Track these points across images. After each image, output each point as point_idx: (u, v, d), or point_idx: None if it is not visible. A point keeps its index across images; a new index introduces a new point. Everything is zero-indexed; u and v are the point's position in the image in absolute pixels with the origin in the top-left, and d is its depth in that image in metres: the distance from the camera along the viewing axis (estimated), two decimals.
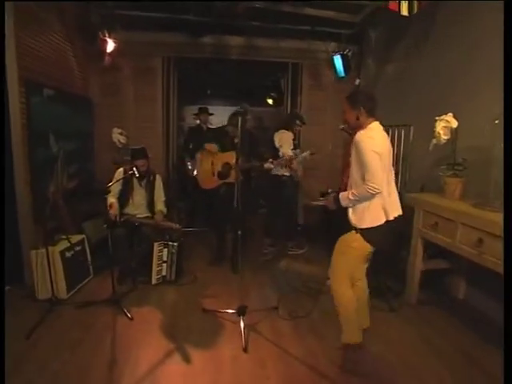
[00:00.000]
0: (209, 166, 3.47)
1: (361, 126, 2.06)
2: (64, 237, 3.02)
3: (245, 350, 2.23)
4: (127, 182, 3.25)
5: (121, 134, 4.18)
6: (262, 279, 3.38)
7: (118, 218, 3.10)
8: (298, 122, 4.03)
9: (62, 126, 3.50)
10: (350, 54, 4.41)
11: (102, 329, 2.48)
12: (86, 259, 3.23)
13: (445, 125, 2.55)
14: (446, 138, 2.58)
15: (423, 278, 2.90)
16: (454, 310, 2.81)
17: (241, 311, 2.48)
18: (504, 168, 1.76)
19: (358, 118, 2.06)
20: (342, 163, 4.83)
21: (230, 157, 3.34)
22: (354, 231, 2.06)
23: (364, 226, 2.02)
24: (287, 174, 3.81)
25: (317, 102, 4.88)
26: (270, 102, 8.57)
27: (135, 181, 3.29)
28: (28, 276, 2.98)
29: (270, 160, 3.39)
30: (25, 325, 2.43)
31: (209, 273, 3.53)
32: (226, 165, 3.39)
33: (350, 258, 2.12)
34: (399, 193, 3.40)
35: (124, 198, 3.30)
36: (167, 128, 4.73)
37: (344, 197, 2.06)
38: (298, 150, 4.04)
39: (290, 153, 3.70)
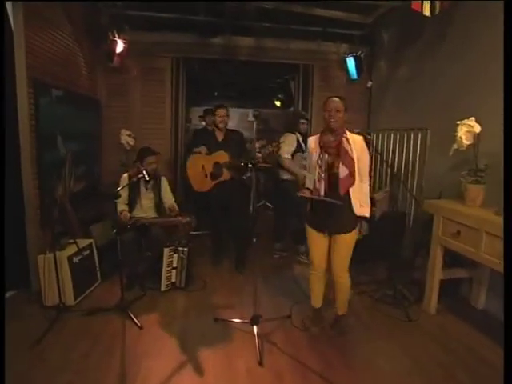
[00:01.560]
0: (200, 169, 3.51)
1: (342, 129, 2.24)
2: (72, 241, 2.96)
3: (260, 363, 2.14)
4: (134, 186, 3.17)
5: (129, 135, 4.12)
6: (272, 286, 3.29)
7: (128, 221, 3.03)
8: (302, 120, 3.90)
9: (70, 128, 3.43)
10: (362, 55, 4.33)
11: (110, 338, 2.40)
12: (94, 264, 3.16)
13: (467, 129, 2.46)
14: (468, 143, 2.48)
15: (440, 287, 2.80)
16: (474, 319, 2.70)
17: (254, 321, 2.39)
18: (504, 168, 1.78)
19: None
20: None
21: (220, 156, 3.41)
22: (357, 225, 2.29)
23: (368, 214, 2.29)
24: (290, 177, 3.75)
25: None
26: (278, 103, 8.47)
27: (142, 185, 3.22)
28: (35, 281, 2.91)
29: (258, 151, 3.40)
30: (31, 332, 2.36)
31: (218, 278, 3.45)
32: (217, 164, 3.45)
33: (352, 247, 2.36)
34: (415, 198, 3.36)
35: (132, 202, 3.23)
36: (176, 129, 4.66)
37: (367, 210, 2.28)
38: (305, 154, 3.94)
39: (286, 155, 3.70)
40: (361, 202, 2.23)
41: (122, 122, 4.31)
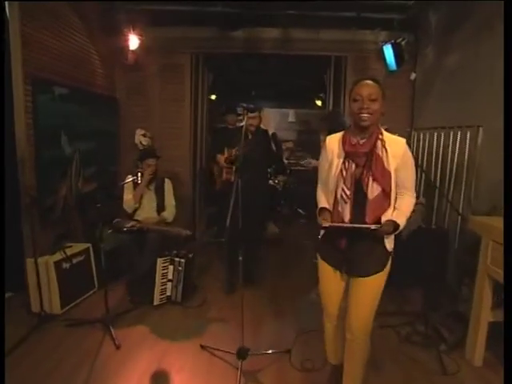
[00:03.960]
0: (217, 167, 3.49)
1: (377, 127, 1.58)
2: (68, 245, 2.83)
3: None
4: (135, 186, 3.10)
5: (144, 135, 3.98)
6: (282, 308, 2.85)
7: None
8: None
9: (79, 127, 3.32)
10: (403, 42, 3.70)
11: (83, 354, 2.18)
12: (90, 270, 2.99)
13: None
14: None
15: (491, 330, 2.15)
16: None
17: (240, 354, 2.00)
18: (504, 168, 1.68)
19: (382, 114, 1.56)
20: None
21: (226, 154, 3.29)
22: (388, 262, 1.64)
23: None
24: None
25: None
26: (319, 103, 7.95)
27: (144, 185, 3.12)
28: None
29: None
30: (10, 340, 2.20)
31: (222, 294, 3.09)
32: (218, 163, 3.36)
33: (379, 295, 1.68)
34: (461, 214, 2.70)
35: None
36: (195, 129, 4.43)
37: (403, 220, 1.58)
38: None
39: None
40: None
41: (141, 122, 4.19)
